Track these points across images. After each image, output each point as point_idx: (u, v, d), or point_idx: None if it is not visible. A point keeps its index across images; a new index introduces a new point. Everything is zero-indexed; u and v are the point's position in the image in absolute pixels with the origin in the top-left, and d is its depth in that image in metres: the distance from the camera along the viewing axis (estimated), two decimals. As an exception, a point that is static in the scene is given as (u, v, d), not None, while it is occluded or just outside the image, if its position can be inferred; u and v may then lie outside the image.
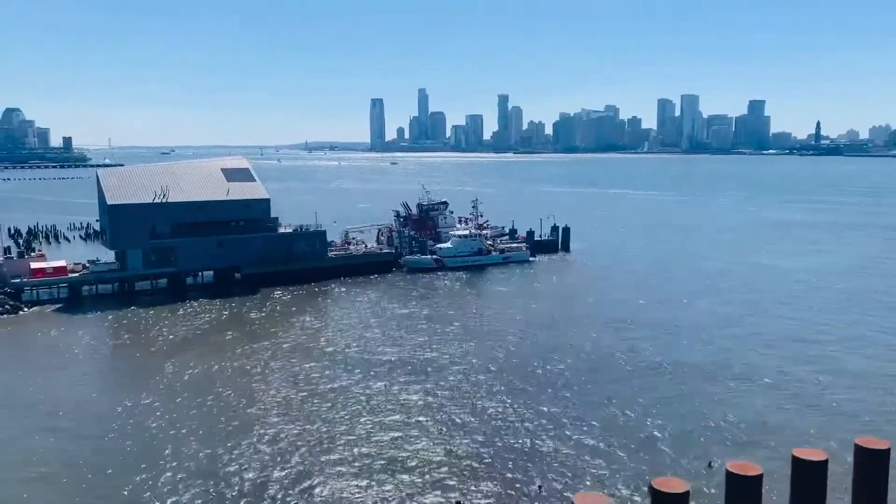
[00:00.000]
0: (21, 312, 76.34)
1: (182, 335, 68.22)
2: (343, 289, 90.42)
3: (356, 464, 39.49)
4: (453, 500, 35.15)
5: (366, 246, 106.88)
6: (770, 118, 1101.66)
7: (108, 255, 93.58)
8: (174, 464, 39.85)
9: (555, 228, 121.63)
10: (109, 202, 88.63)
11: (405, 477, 37.69)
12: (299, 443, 42.80)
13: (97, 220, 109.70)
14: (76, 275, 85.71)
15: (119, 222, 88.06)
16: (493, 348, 61.97)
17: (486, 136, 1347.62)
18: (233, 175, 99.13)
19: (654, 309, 76.68)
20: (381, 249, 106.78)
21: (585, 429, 44.34)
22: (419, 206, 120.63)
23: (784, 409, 47.46)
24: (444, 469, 38.71)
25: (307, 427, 45.12)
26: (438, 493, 36.04)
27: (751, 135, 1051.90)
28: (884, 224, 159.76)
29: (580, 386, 52.25)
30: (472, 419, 46.05)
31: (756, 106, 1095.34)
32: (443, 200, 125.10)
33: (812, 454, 10.70)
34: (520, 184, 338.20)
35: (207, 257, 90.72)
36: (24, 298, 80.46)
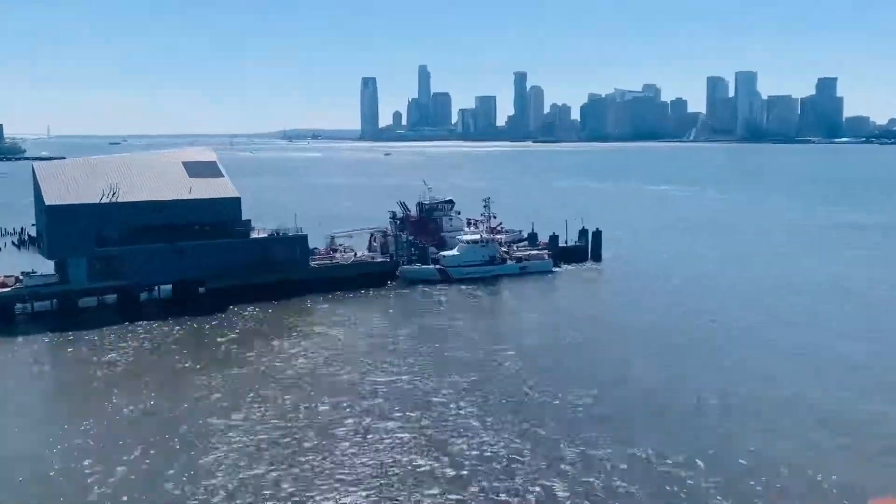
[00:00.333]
0: (-59, 335, 76.26)
1: (132, 362, 68.03)
2: (328, 306, 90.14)
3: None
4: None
5: (355, 254, 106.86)
6: (843, 99, 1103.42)
7: (45, 266, 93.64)
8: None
9: (583, 233, 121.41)
10: (48, 202, 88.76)
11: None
12: (266, 493, 42.39)
13: (33, 225, 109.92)
14: (7, 289, 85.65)
15: (59, 226, 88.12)
16: (507, 381, 61.51)
17: (500, 121, 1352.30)
18: (196, 169, 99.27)
19: (703, 334, 76.23)
20: (373, 258, 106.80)
21: (618, 482, 43.77)
22: (419, 205, 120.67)
23: (870, 460, 46.86)
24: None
25: (278, 474, 44.73)
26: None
27: (820, 119, 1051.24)
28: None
29: (613, 429, 51.71)
30: (480, 468, 45.54)
31: (826, 85, 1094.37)
32: (448, 199, 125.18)
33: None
34: (541, 178, 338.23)
35: (165, 268, 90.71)
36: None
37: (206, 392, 59.30)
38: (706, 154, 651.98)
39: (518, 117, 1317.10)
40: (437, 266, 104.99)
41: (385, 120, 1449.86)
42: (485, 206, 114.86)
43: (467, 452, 47.46)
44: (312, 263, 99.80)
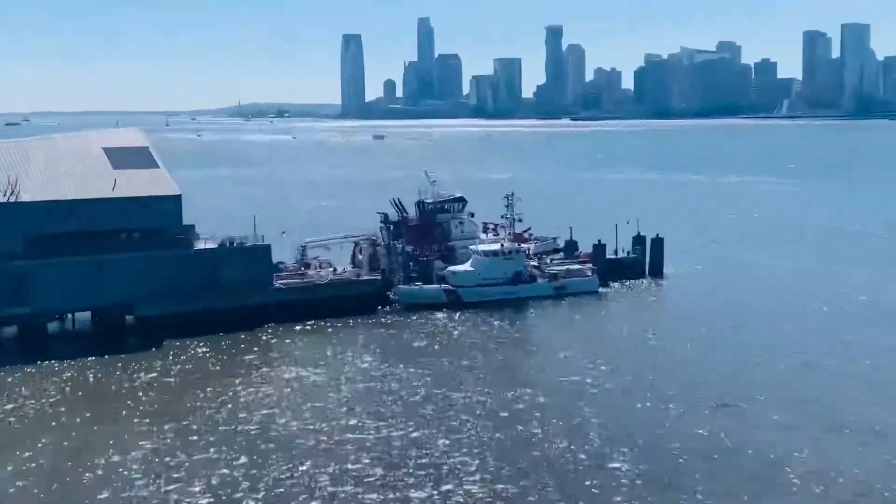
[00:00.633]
0: None
1: (34, 414, 67.77)
2: (297, 340, 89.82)
3: None
4: None
5: (334, 270, 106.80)
6: None
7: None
8: None
9: (639, 240, 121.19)
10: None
11: None
12: None
13: None
14: None
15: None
16: (536, 445, 61.05)
17: (527, 92, 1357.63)
18: (122, 158, 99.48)
19: (794, 380, 75.88)
20: (358, 275, 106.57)
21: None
22: (420, 204, 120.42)
23: None
24: None
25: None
26: None
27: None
28: None
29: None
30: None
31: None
32: (457, 196, 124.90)
33: None
34: (581, 168, 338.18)
35: (81, 290, 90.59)
36: None
37: (129, 454, 58.81)
38: (802, 134, 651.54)
39: (551, 87, 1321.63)
40: (445, 286, 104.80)
41: (374, 91, 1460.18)
42: (507, 206, 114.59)
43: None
44: (277, 283, 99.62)
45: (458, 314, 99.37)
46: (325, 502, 51.77)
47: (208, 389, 73.68)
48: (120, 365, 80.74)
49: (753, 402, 69.14)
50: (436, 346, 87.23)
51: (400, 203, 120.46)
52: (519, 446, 59.95)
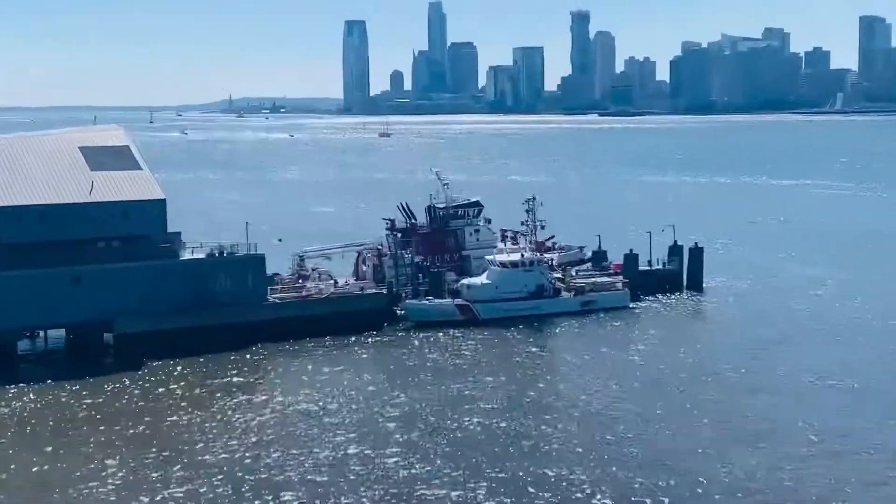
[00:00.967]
0: None
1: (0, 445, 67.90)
2: (293, 361, 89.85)
3: None
4: None
5: (335, 282, 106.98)
6: None
7: None
8: None
9: (675, 250, 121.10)
10: None
11: None
12: None
13: None
14: None
15: None
16: (553, 483, 60.82)
17: (551, 84, 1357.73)
18: (101, 158, 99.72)
19: (843, 410, 75.67)
20: (362, 289, 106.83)
21: None
22: (431, 210, 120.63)
23: None
24: None
25: None
26: None
27: None
28: None
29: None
30: None
31: None
32: (472, 200, 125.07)
33: None
34: (611, 169, 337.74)
35: (54, 305, 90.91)
36: None
37: (98, 494, 58.76)
38: (859, 131, 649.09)
39: (577, 78, 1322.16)
40: (458, 301, 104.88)
41: (380, 84, 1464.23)
42: (528, 212, 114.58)
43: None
44: (271, 298, 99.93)
45: (472, 332, 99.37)
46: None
47: (193, 416, 73.71)
48: (96, 388, 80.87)
49: (796, 438, 68.27)
50: (448, 369, 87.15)
51: (408, 208, 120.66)
52: (539, 483, 59.62)
